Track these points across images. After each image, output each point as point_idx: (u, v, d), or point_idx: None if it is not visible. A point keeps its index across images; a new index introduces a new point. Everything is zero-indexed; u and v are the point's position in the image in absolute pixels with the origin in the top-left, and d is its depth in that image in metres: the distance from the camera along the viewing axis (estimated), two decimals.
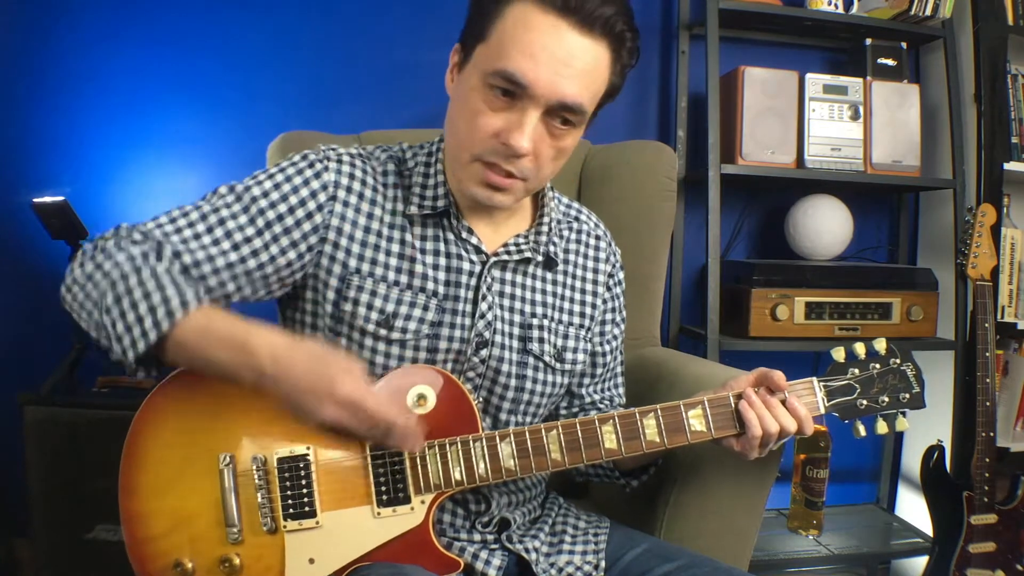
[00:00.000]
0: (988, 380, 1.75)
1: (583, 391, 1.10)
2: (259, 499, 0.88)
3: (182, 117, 1.83)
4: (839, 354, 0.97)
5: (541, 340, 1.00)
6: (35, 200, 1.56)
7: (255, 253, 0.88)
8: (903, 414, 0.97)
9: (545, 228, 1.01)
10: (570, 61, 0.82)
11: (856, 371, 0.96)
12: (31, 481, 1.52)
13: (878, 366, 0.96)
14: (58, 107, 1.78)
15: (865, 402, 0.96)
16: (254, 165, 1.53)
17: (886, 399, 0.96)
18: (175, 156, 1.84)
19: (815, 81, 1.88)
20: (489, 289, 0.97)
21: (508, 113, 0.84)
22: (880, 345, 0.97)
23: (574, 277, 1.06)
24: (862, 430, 0.96)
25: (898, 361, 0.97)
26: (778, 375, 0.93)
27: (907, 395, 0.96)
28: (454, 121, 0.90)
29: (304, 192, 0.91)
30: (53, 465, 1.51)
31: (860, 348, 0.97)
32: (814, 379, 0.95)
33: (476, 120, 0.85)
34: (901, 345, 0.98)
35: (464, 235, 0.96)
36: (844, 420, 0.96)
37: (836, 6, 1.94)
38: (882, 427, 0.97)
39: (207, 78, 1.83)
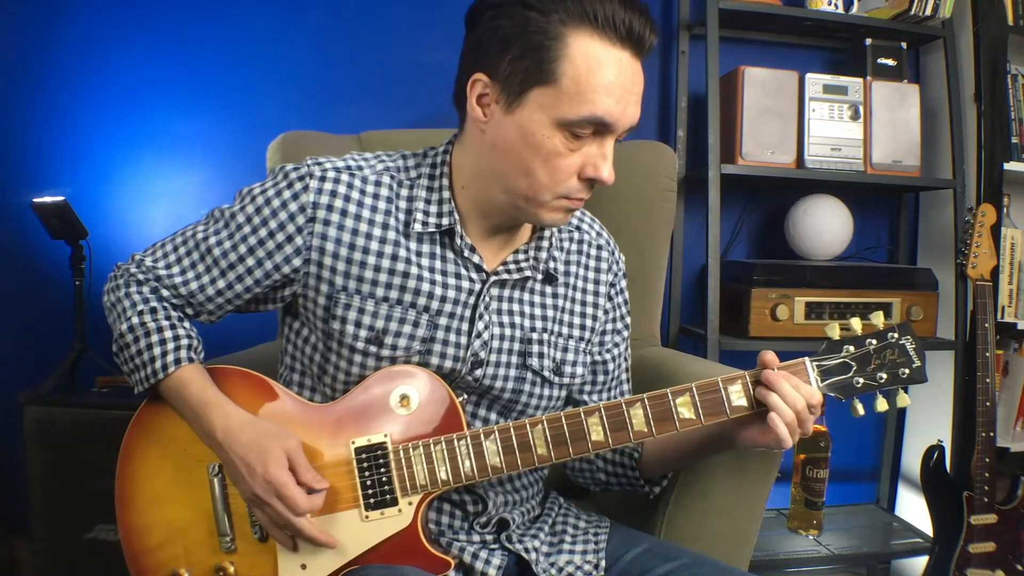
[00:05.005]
0: (988, 380, 1.75)
1: (584, 397, 1.09)
2: (249, 507, 0.89)
3: (183, 117, 1.83)
4: (834, 331, 0.91)
5: (541, 355, 0.99)
6: (35, 200, 1.56)
7: (240, 278, 0.93)
8: (904, 390, 0.91)
9: (546, 243, 1.00)
10: (635, 89, 0.85)
11: (851, 348, 0.91)
12: (31, 481, 1.52)
13: (875, 341, 0.91)
14: (58, 107, 1.79)
15: (862, 380, 0.90)
16: (254, 165, 1.55)
17: (884, 376, 0.91)
18: (175, 156, 1.84)
19: (815, 81, 1.88)
20: (487, 308, 0.96)
21: (586, 148, 0.86)
22: (877, 319, 0.91)
23: (574, 289, 1.04)
24: (860, 409, 0.91)
25: (896, 335, 0.91)
26: (768, 353, 0.89)
27: (907, 370, 0.91)
28: (522, 163, 0.86)
29: (283, 215, 0.91)
30: (53, 465, 1.52)
31: (856, 323, 0.91)
32: (806, 359, 0.90)
33: (556, 163, 0.85)
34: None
35: (466, 253, 0.94)
36: (842, 399, 0.91)
37: (836, 6, 1.94)
38: (882, 404, 0.92)
39: (208, 78, 1.83)
